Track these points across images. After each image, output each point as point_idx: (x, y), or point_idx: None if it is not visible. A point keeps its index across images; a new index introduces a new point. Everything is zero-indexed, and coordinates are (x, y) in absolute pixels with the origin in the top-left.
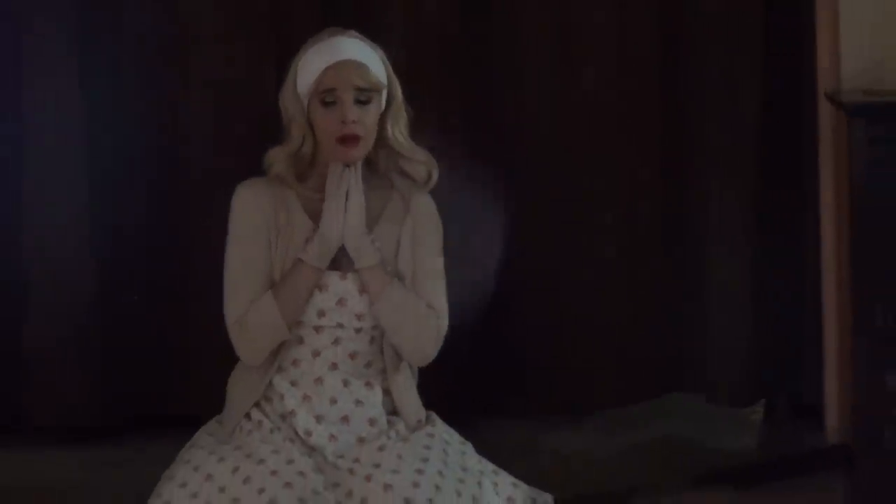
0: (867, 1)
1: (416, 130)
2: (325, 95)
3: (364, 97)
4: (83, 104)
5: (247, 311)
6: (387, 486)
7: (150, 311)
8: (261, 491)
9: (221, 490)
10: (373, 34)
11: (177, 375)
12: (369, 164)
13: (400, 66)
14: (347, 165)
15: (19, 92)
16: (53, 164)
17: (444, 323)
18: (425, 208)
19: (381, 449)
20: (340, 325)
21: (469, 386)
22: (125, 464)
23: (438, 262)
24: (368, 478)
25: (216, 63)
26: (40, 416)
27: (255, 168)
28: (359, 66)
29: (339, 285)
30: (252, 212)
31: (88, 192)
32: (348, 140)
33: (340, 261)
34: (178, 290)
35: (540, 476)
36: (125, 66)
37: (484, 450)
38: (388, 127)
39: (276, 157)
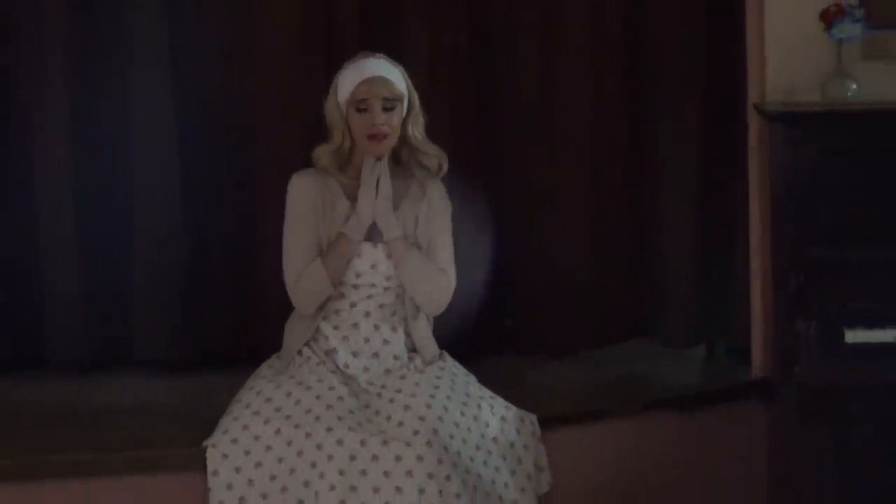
0: (787, 32)
1: (429, 131)
2: (359, 104)
3: (389, 105)
4: (176, 100)
5: (301, 273)
6: (406, 407)
7: (230, 271)
8: (308, 411)
9: (277, 410)
10: (397, 56)
11: (248, 320)
12: (394, 158)
13: (420, 81)
14: (378, 159)
15: (124, 88)
16: (155, 151)
17: (453, 282)
18: (438, 192)
19: (402, 378)
20: (372, 284)
21: (472, 330)
22: (208, 390)
23: (448, 234)
24: (392, 400)
25: (280, 78)
26: (141, 350)
27: (306, 161)
28: (385, 81)
29: (372, 253)
30: (303, 196)
31: (182, 177)
32: (377, 137)
33: (372, 233)
34: (251, 256)
35: (526, 402)
36: (209, 76)
37: (483, 380)
38: (409, 128)
39: (322, 153)
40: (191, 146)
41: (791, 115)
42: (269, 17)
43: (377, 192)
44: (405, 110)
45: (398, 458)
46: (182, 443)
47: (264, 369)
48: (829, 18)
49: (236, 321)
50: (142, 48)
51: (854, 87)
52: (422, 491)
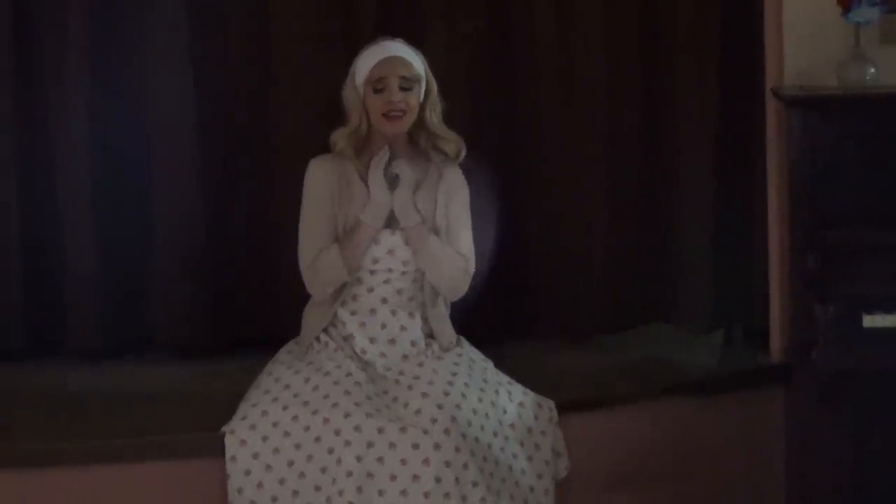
0: (805, 17)
1: (448, 118)
2: (377, 83)
3: (406, 85)
4: (196, 86)
5: (316, 258)
6: (424, 394)
7: (249, 256)
8: (325, 396)
9: (296, 395)
10: (416, 44)
11: (268, 305)
12: (412, 143)
13: (439, 68)
14: (390, 148)
15: (144, 81)
16: (174, 136)
17: (472, 266)
18: (455, 177)
19: (420, 364)
20: (390, 270)
21: (491, 316)
22: (228, 376)
23: (466, 219)
24: (410, 387)
25: (299, 65)
26: (162, 336)
27: (325, 147)
28: (402, 61)
29: (389, 239)
30: (320, 181)
31: (202, 162)
32: (393, 116)
33: (390, 219)
34: (270, 241)
35: (543, 387)
36: (229, 63)
37: (500, 366)
38: (427, 112)
39: (339, 136)
40: (210, 131)
41: (809, 99)
42: (288, 3)
43: (398, 181)
44: (423, 94)
45: (415, 446)
46: (200, 428)
47: (283, 355)
48: (846, 2)
49: (256, 306)
50: (161, 35)
51: (872, 70)
52: (438, 479)
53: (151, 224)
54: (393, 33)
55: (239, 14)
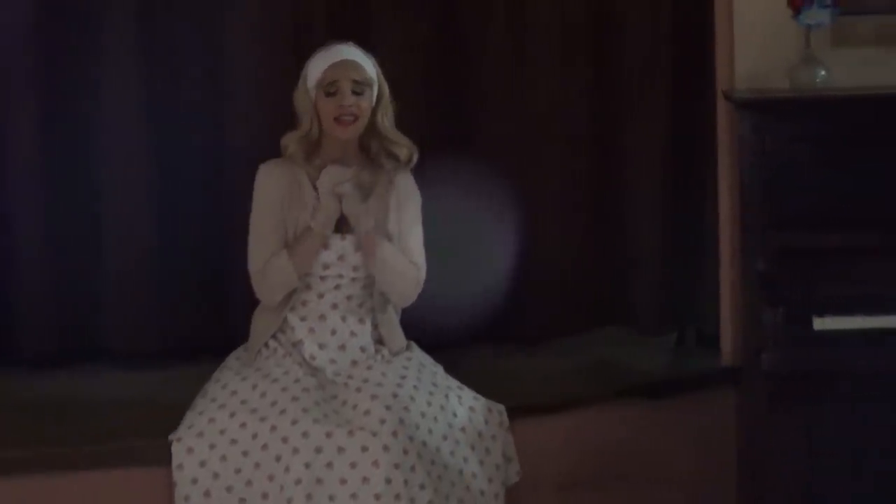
0: (756, 19)
1: (400, 123)
2: (329, 87)
3: (358, 89)
4: (145, 91)
5: (266, 264)
6: (373, 396)
7: (201, 261)
8: (273, 403)
9: (243, 402)
10: (367, 49)
11: (220, 311)
12: (363, 149)
13: (390, 73)
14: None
15: (94, 82)
16: (124, 141)
17: (423, 274)
18: (407, 183)
19: (369, 368)
20: (340, 276)
21: (444, 320)
22: (179, 382)
23: (418, 226)
24: (358, 389)
25: (248, 71)
26: (116, 343)
27: (275, 151)
28: (355, 65)
29: (340, 245)
30: (270, 186)
31: (152, 167)
32: (344, 120)
33: (341, 225)
34: (222, 246)
35: (496, 391)
36: (179, 69)
37: (453, 370)
38: (379, 117)
39: (290, 140)
40: (160, 136)
41: (759, 101)
42: (236, 10)
43: (348, 187)
44: (374, 98)
45: (364, 449)
46: (149, 436)
47: (231, 361)
48: (796, 4)
49: (208, 312)
50: (111, 41)
51: (823, 73)
52: (388, 481)
53: (102, 232)
54: (343, 38)
55: (188, 23)
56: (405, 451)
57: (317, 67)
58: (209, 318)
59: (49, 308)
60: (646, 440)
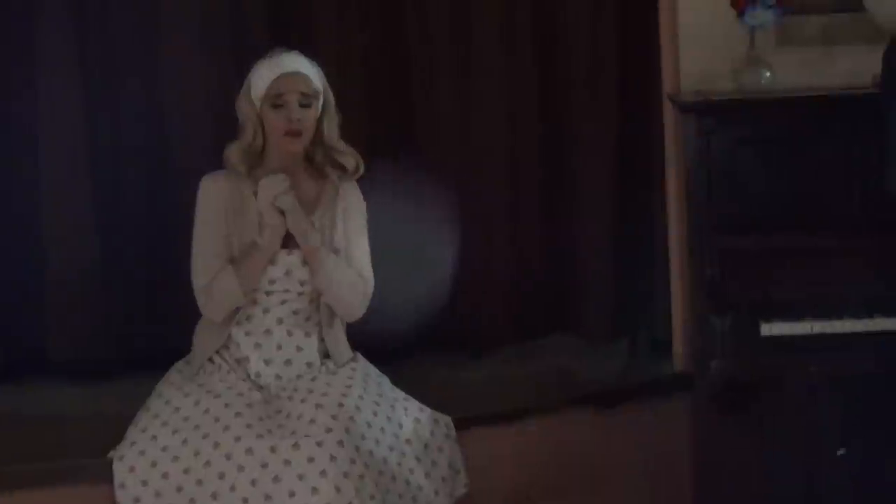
0: (700, 20)
1: (343, 132)
2: (275, 99)
3: (306, 101)
4: (85, 100)
5: (211, 279)
6: (318, 405)
7: (144, 273)
8: (216, 420)
9: (185, 419)
10: (308, 56)
11: (163, 323)
12: (308, 159)
13: (332, 81)
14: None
15: (32, 90)
16: (64, 151)
17: (370, 287)
18: (353, 194)
19: (313, 380)
20: (286, 290)
21: (393, 330)
22: (122, 396)
23: (365, 238)
24: (303, 400)
25: (188, 79)
26: (56, 356)
27: (218, 161)
28: (303, 77)
29: (286, 259)
30: (213, 199)
31: (93, 178)
32: (293, 134)
33: (287, 239)
34: (165, 257)
35: (445, 401)
36: (118, 78)
37: (401, 380)
38: (324, 127)
39: (233, 152)
40: (101, 146)
41: (702, 104)
42: (176, 15)
43: (289, 202)
44: (320, 109)
45: (311, 460)
46: (90, 453)
47: (173, 375)
48: (740, 5)
49: (151, 325)
50: (49, 49)
51: (768, 74)
52: (338, 489)
53: (43, 243)
54: (284, 43)
55: (126, 29)
56: (352, 461)
57: (262, 78)
58: (152, 329)
59: None
60: (598, 449)
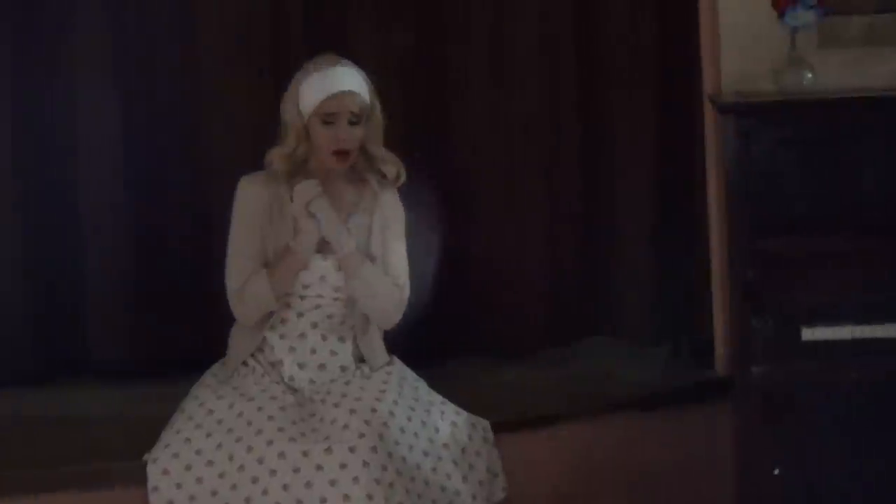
0: (741, 20)
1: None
2: (326, 117)
3: (355, 119)
4: (123, 104)
5: (244, 284)
6: (352, 411)
7: (183, 276)
8: (249, 423)
9: (219, 422)
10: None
11: (203, 325)
12: (350, 165)
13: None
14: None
15: (69, 94)
16: (102, 156)
17: (406, 295)
18: (392, 202)
19: (347, 383)
20: (320, 296)
21: (432, 333)
22: (162, 399)
23: (402, 246)
24: (336, 404)
25: (226, 78)
26: (97, 359)
27: (256, 161)
28: (353, 97)
29: (321, 265)
30: (250, 201)
31: (131, 182)
32: (342, 153)
33: (322, 244)
34: (204, 260)
35: (484, 405)
36: (156, 79)
37: (440, 384)
38: (368, 137)
39: (276, 157)
40: (139, 150)
41: (743, 105)
42: (213, 16)
43: (316, 214)
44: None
45: (343, 466)
46: (127, 455)
47: (208, 378)
48: (781, 5)
49: (190, 326)
50: (86, 52)
51: (809, 75)
52: (370, 497)
53: (82, 247)
54: (321, 47)
55: (164, 29)
56: (384, 468)
57: (313, 93)
58: (189, 332)
59: (30, 326)
60: (638, 454)
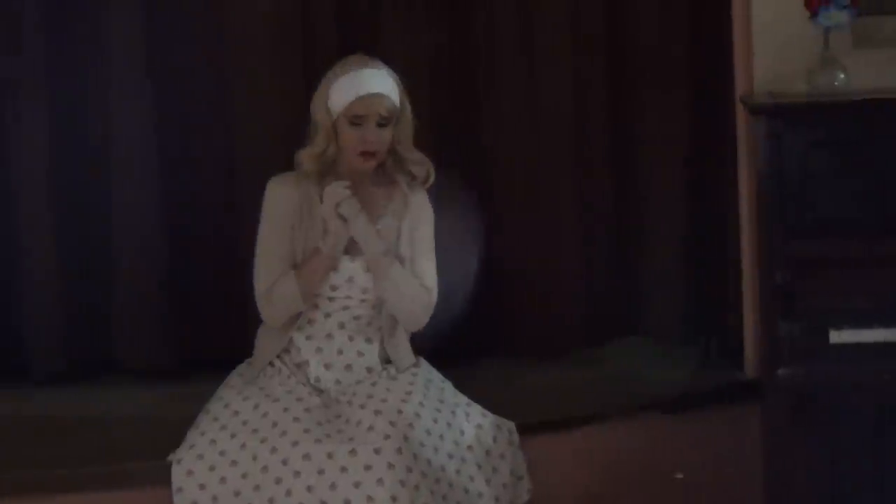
0: (773, 20)
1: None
2: (354, 119)
3: (383, 121)
4: (155, 105)
5: (272, 285)
6: (377, 412)
7: (212, 276)
8: (274, 424)
9: (244, 423)
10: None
11: (230, 326)
12: (380, 165)
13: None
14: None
15: (102, 95)
16: (134, 156)
17: (434, 297)
18: (422, 203)
19: (373, 384)
20: (348, 297)
21: (463, 334)
22: (191, 398)
23: (431, 249)
24: (362, 406)
25: (257, 79)
26: (126, 358)
27: (286, 161)
28: (383, 98)
29: (349, 266)
30: (280, 202)
31: (162, 181)
32: (367, 154)
33: (350, 246)
34: (233, 260)
35: (511, 406)
36: (187, 82)
37: (468, 385)
38: (400, 137)
39: (306, 157)
40: (170, 151)
41: (774, 107)
42: (245, 16)
43: (346, 216)
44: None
45: (368, 468)
46: (153, 455)
47: (234, 378)
48: (814, 6)
49: (219, 327)
50: (119, 50)
51: (842, 76)
52: (394, 499)
53: (113, 248)
54: (352, 47)
55: (195, 29)
56: (409, 469)
57: (343, 94)
58: (217, 333)
59: (60, 325)
60: (667, 456)
